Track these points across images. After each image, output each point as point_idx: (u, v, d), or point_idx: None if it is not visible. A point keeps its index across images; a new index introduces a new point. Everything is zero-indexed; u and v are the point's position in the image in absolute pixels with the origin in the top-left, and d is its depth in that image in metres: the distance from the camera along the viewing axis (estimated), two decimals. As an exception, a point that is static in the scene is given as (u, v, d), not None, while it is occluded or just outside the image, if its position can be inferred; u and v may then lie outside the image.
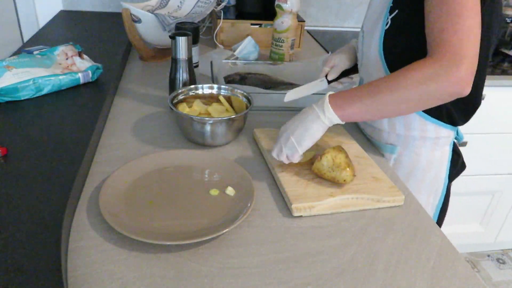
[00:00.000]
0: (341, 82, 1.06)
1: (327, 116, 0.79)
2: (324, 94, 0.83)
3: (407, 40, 0.84)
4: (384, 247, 0.71)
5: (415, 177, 0.97)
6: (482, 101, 0.95)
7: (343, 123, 0.80)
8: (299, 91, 1.00)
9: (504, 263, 2.09)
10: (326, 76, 1.03)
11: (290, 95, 0.99)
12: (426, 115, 0.91)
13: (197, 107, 0.99)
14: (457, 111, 0.91)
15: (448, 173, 0.98)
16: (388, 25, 0.86)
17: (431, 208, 1.01)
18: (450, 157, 0.97)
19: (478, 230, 1.98)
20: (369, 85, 0.77)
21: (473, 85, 0.75)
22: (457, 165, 1.01)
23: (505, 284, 1.98)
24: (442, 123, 0.92)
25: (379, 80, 0.76)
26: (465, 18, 0.70)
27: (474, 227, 1.98)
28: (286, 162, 0.83)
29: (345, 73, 1.05)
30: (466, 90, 0.71)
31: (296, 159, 0.82)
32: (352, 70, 1.06)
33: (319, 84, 1.03)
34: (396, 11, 0.84)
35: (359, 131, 1.07)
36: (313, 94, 1.02)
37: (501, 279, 2.00)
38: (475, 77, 0.72)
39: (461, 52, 0.69)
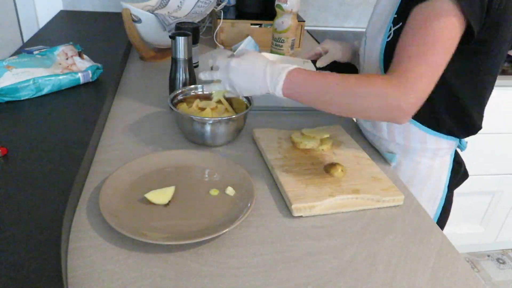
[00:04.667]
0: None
1: (273, 86, 0.76)
2: None
3: None
4: (384, 247, 0.71)
5: (413, 186, 0.95)
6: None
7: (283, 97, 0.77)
8: (276, 57, 0.99)
9: (504, 263, 2.09)
10: (315, 62, 1.02)
11: (266, 55, 0.96)
12: (426, 128, 0.90)
13: (197, 107, 0.99)
14: (458, 128, 0.90)
15: (448, 182, 0.97)
16: (391, 37, 0.83)
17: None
18: (451, 166, 0.96)
19: (478, 230, 1.98)
20: (326, 75, 0.75)
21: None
22: (458, 175, 0.99)
23: (505, 284, 1.98)
24: (443, 135, 0.91)
25: (338, 75, 0.74)
26: (434, 52, 0.70)
27: (474, 227, 1.98)
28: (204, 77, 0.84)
29: (334, 66, 1.03)
30: (403, 120, 0.72)
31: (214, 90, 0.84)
32: (343, 66, 1.05)
33: (304, 65, 1.00)
34: (400, 23, 0.80)
35: (360, 135, 1.07)
36: None
37: (501, 279, 2.00)
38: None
39: (414, 86, 0.69)
